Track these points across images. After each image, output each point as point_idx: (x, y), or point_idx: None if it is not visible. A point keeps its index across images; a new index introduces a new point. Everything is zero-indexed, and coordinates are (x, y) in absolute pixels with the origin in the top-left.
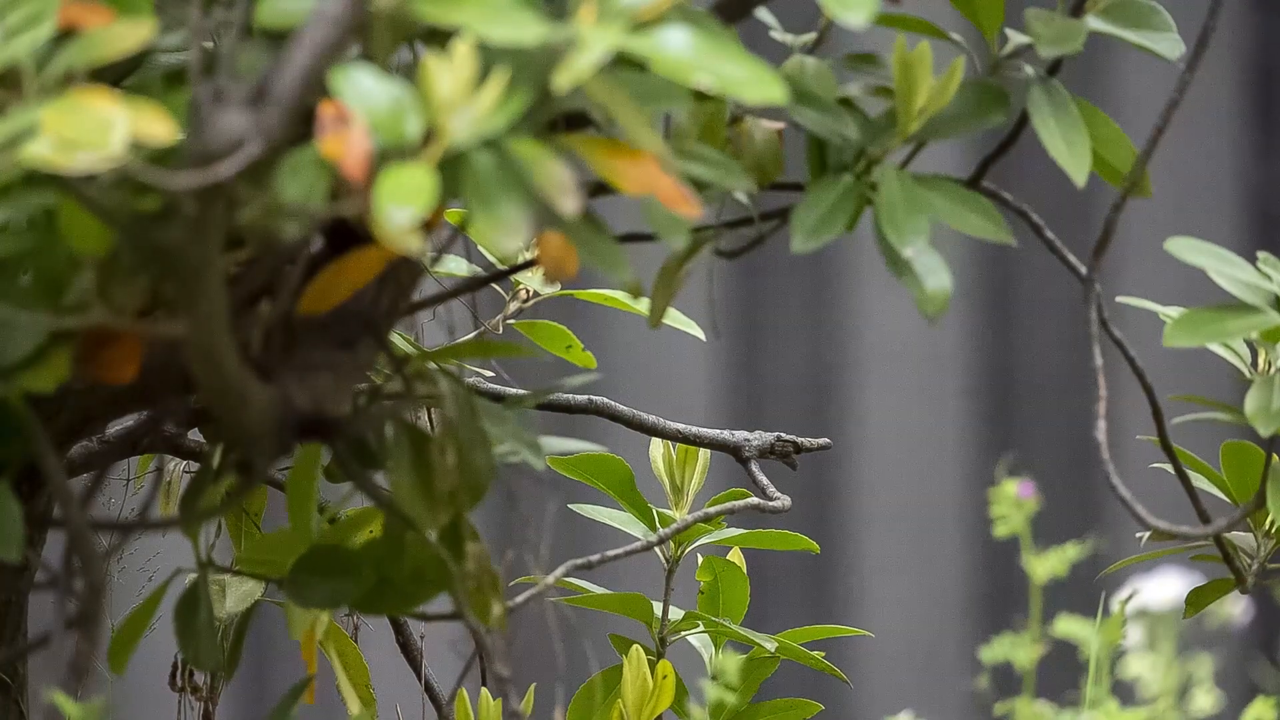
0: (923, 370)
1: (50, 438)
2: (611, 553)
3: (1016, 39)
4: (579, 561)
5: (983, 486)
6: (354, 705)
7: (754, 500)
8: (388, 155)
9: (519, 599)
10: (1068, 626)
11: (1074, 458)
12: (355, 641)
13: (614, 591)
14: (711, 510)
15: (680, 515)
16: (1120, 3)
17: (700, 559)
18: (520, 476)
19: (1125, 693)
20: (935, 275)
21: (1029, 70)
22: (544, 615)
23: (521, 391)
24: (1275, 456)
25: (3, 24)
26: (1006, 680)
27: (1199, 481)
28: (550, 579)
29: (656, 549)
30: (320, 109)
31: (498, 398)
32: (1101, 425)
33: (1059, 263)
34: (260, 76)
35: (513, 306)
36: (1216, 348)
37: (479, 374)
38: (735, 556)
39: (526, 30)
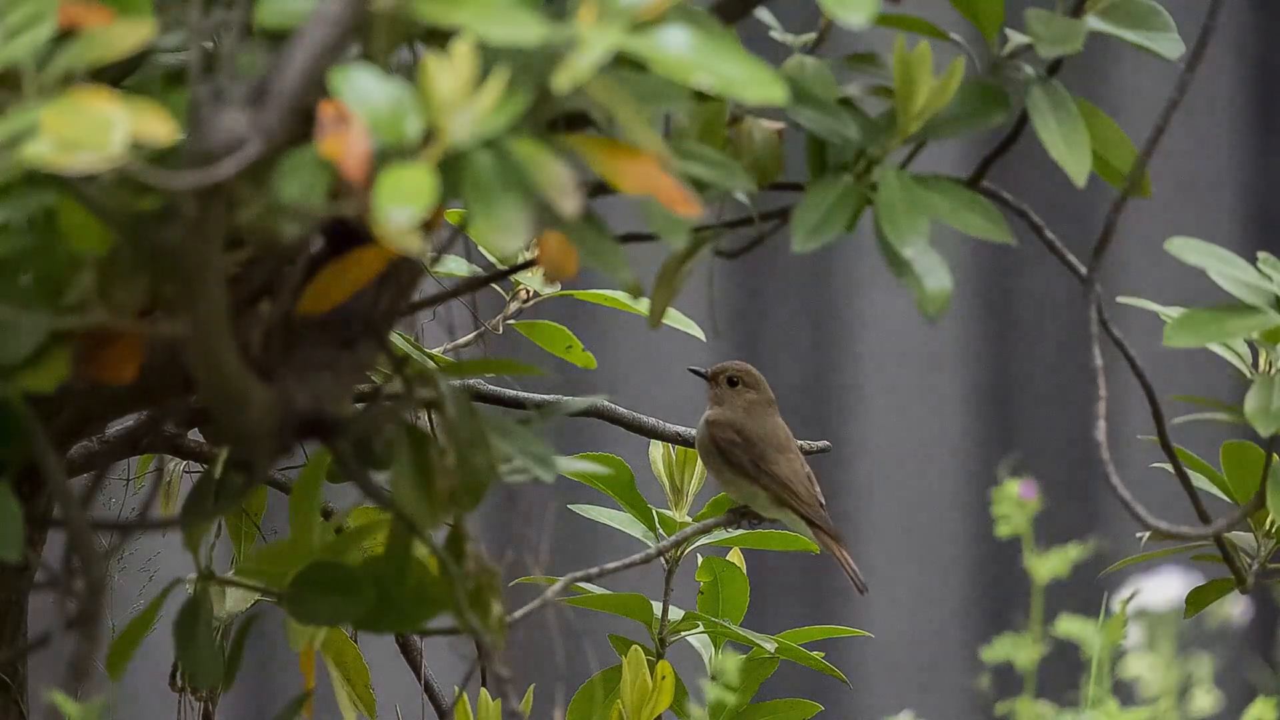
0: (923, 371)
1: (50, 438)
2: (610, 565)
3: (1016, 39)
4: (578, 575)
5: (983, 487)
6: (350, 714)
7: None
8: (388, 155)
9: (522, 610)
10: (1069, 627)
11: (1074, 458)
12: (355, 642)
13: (614, 592)
14: (710, 521)
15: (680, 516)
16: (1120, 3)
17: (700, 559)
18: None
19: (1125, 693)
20: (935, 275)
21: (1029, 70)
22: (544, 616)
23: (522, 394)
24: (1275, 456)
25: (3, 24)
26: (1007, 680)
27: (1199, 481)
28: (551, 592)
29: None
30: (320, 109)
31: (498, 399)
32: (1101, 425)
33: (1059, 263)
34: (260, 76)
35: (513, 306)
36: (1216, 348)
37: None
38: (735, 557)
39: (526, 30)
